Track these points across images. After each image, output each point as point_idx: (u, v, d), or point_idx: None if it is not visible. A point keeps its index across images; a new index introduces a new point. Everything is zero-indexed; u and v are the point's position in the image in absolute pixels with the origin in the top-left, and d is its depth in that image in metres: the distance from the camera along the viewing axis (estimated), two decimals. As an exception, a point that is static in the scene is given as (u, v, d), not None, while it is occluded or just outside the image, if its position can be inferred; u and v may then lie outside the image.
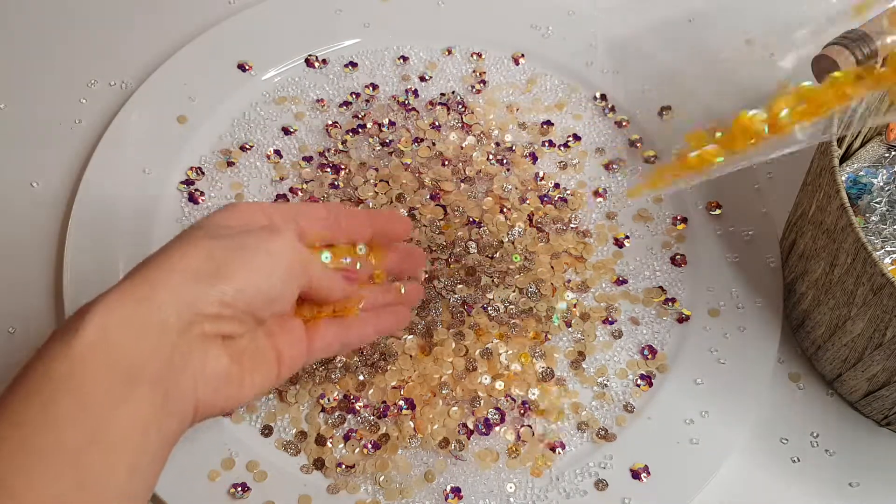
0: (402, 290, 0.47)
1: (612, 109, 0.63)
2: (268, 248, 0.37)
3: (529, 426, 0.50)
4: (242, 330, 0.37)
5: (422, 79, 0.64)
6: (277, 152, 0.60)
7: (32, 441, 0.31)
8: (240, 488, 0.47)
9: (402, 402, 0.50)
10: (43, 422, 0.31)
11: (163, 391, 0.34)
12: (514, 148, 0.61)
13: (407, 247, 0.49)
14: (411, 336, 0.52)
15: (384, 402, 0.50)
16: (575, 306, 0.54)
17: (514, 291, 0.54)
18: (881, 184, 0.53)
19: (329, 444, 0.49)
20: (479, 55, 0.65)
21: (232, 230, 0.38)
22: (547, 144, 0.61)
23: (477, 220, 0.57)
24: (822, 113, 0.38)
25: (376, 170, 0.59)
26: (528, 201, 0.58)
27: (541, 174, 0.60)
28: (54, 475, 0.31)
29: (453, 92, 0.63)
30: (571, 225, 0.58)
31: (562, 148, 0.61)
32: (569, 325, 0.54)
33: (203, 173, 0.59)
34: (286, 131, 0.61)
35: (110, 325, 0.33)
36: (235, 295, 0.36)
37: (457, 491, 0.48)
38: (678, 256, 0.57)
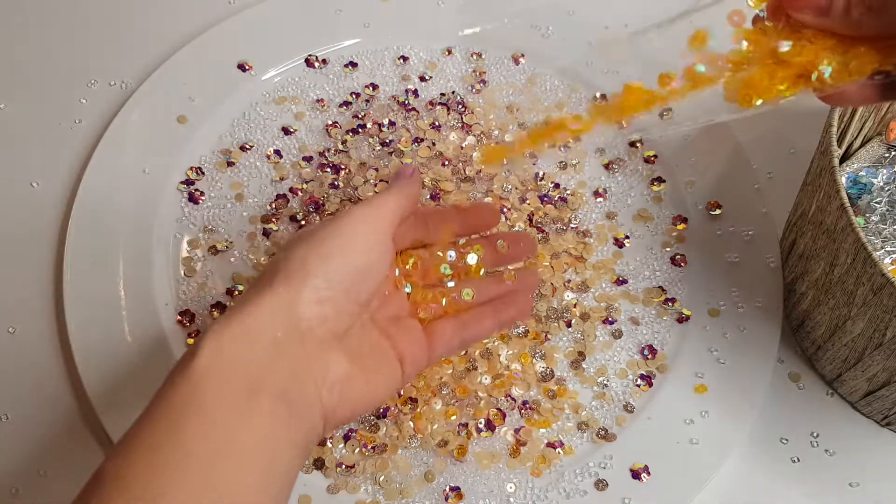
0: (512, 277, 0.47)
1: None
2: (334, 230, 0.38)
3: (529, 429, 0.50)
4: (349, 321, 0.38)
5: (422, 79, 0.64)
6: (277, 152, 0.60)
7: (164, 460, 0.32)
8: (240, 488, 0.47)
9: (401, 403, 0.50)
10: (171, 441, 0.32)
11: (286, 402, 0.35)
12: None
13: (515, 232, 0.49)
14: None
15: (385, 406, 0.50)
16: (575, 306, 0.54)
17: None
18: (881, 184, 0.53)
19: (329, 444, 0.49)
20: (479, 55, 0.65)
21: (309, 231, 0.40)
22: (547, 144, 0.61)
23: (477, 220, 0.57)
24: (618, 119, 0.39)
25: (376, 170, 0.59)
26: (528, 201, 0.58)
27: (541, 174, 0.60)
28: (187, 488, 0.32)
29: (453, 92, 0.63)
30: (571, 225, 0.58)
31: (562, 148, 0.61)
32: (569, 325, 0.54)
33: (203, 173, 0.59)
34: (286, 131, 0.61)
35: (223, 345, 0.34)
36: (326, 283, 0.37)
37: (457, 491, 0.48)
38: (678, 256, 0.57)
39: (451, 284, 0.45)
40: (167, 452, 0.32)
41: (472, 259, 0.46)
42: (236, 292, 0.54)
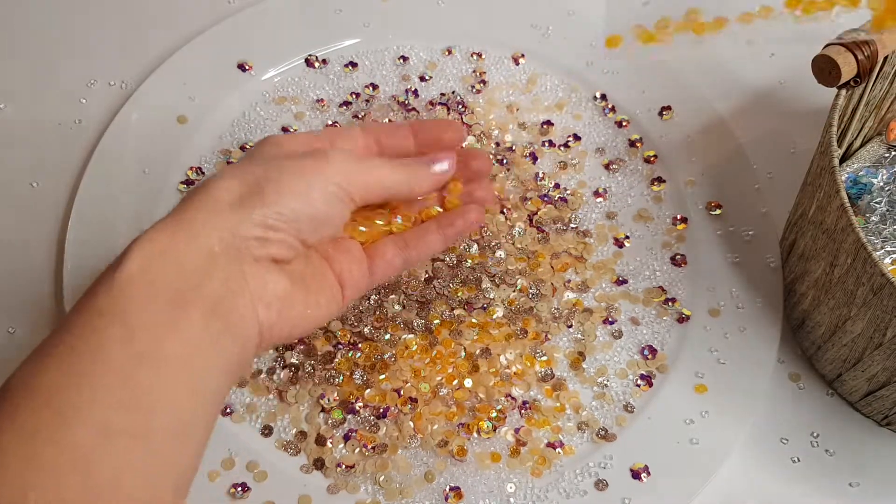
0: (458, 203, 0.44)
1: (612, 109, 0.63)
2: (303, 171, 0.37)
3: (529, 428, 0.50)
4: (291, 254, 0.37)
5: (422, 79, 0.64)
6: (277, 152, 0.60)
7: (79, 368, 0.30)
8: (240, 488, 0.47)
9: (401, 403, 0.50)
10: (88, 349, 0.31)
11: (218, 315, 0.33)
12: (514, 148, 0.61)
13: (464, 150, 0.45)
14: (411, 336, 0.52)
15: (385, 406, 0.50)
16: (575, 306, 0.54)
17: (514, 291, 0.54)
18: (881, 184, 0.53)
19: (329, 444, 0.49)
20: (479, 55, 0.65)
21: (276, 157, 0.38)
22: (547, 144, 0.61)
23: (477, 220, 0.57)
24: None
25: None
26: (528, 201, 0.58)
27: (541, 174, 0.60)
28: (103, 394, 0.30)
29: (453, 92, 0.63)
30: (571, 225, 0.58)
31: (562, 148, 0.61)
32: (569, 325, 0.54)
33: (203, 173, 0.59)
34: (285, 131, 0.61)
35: (152, 255, 0.33)
36: (277, 217, 0.36)
37: (457, 491, 0.48)
38: (678, 256, 0.57)
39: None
40: (83, 360, 0.31)
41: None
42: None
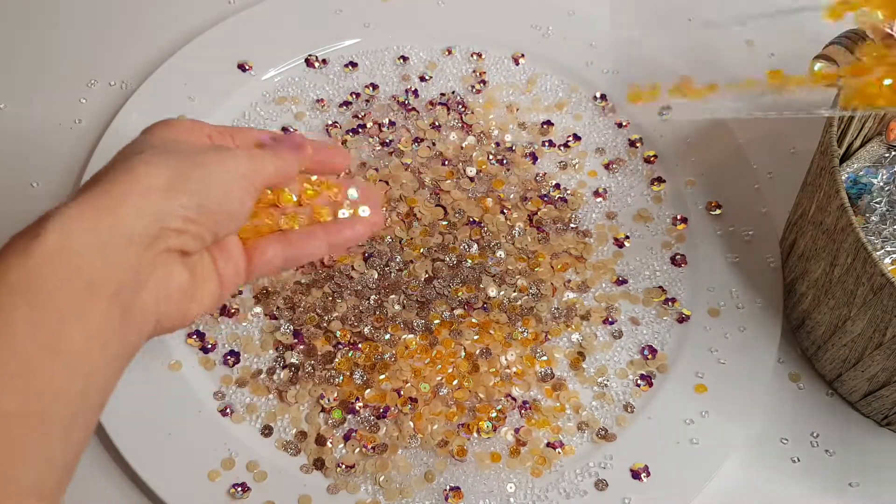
0: (350, 207, 0.45)
1: (613, 109, 0.63)
2: (223, 165, 0.37)
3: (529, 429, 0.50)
4: (200, 246, 0.37)
5: (422, 79, 0.64)
6: (277, 152, 0.60)
7: None
8: (240, 488, 0.47)
9: (401, 403, 0.50)
10: None
11: (124, 305, 0.33)
12: (514, 148, 0.61)
13: (324, 146, 0.45)
14: (411, 336, 0.52)
15: (385, 406, 0.50)
16: (575, 306, 0.54)
17: (514, 291, 0.54)
18: (881, 184, 0.53)
19: (329, 444, 0.49)
20: (479, 55, 0.65)
21: (185, 145, 0.38)
22: (547, 144, 0.61)
23: (477, 220, 0.57)
24: None
25: (376, 170, 0.59)
26: (528, 201, 0.58)
27: (541, 174, 0.60)
28: (6, 382, 0.30)
29: (453, 92, 0.63)
30: (571, 225, 0.58)
31: (562, 148, 0.61)
32: (569, 325, 0.54)
33: (203, 173, 0.59)
34: (285, 131, 0.61)
35: (73, 233, 0.32)
36: (199, 210, 0.35)
37: (457, 491, 0.48)
38: (678, 256, 0.57)
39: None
40: None
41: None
42: (236, 292, 0.54)
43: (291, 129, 0.61)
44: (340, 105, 0.62)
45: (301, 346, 0.52)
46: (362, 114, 0.62)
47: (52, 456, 0.32)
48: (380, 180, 0.58)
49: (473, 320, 0.53)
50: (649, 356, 0.53)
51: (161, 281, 0.35)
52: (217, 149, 0.38)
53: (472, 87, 0.63)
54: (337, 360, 0.51)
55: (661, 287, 0.56)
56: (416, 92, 0.63)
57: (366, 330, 0.52)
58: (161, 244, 0.35)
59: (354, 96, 0.63)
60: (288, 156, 0.41)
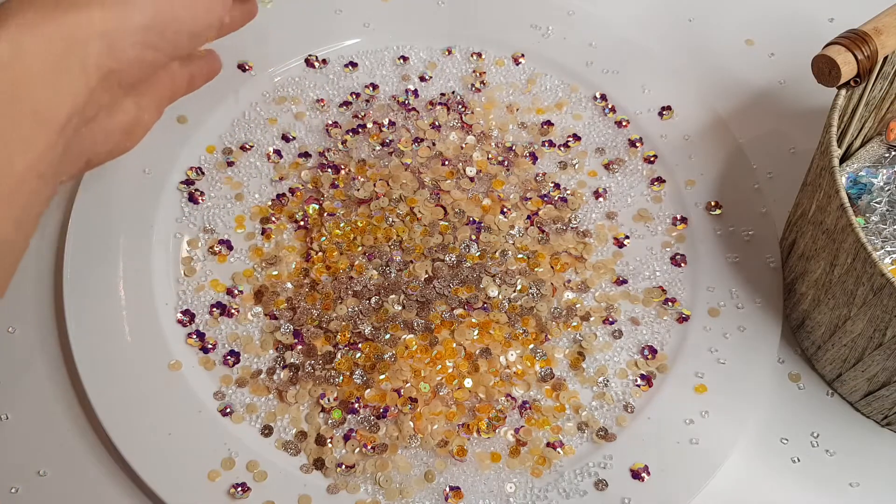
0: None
1: (612, 109, 0.63)
2: None
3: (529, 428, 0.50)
4: (156, 68, 0.35)
5: (422, 79, 0.64)
6: (277, 152, 0.60)
7: None
8: (240, 488, 0.47)
9: (401, 403, 0.50)
10: None
11: (68, 139, 0.31)
12: (514, 148, 0.61)
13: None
14: (411, 336, 0.52)
15: (385, 406, 0.50)
16: (575, 306, 0.54)
17: (514, 291, 0.54)
18: (881, 184, 0.53)
19: (329, 444, 0.49)
20: (479, 55, 0.65)
21: None
22: (547, 144, 0.61)
23: (477, 220, 0.57)
24: None
25: (376, 170, 0.59)
26: (528, 201, 0.58)
27: (541, 174, 0.60)
28: None
29: (453, 92, 0.63)
30: (571, 225, 0.58)
31: (562, 148, 0.61)
32: (569, 325, 0.54)
33: (203, 173, 0.59)
34: (286, 138, 0.61)
35: (26, 47, 0.29)
36: (160, 30, 0.33)
37: (457, 491, 0.48)
38: (678, 256, 0.57)
39: None
40: None
41: None
42: (236, 292, 0.54)
43: (291, 137, 0.61)
44: (340, 105, 0.62)
45: (301, 346, 0.52)
46: (362, 114, 0.62)
47: None
48: (380, 179, 0.58)
49: (473, 320, 0.53)
50: (649, 356, 0.53)
51: (107, 117, 0.33)
52: None
53: (472, 86, 0.64)
54: (337, 360, 0.51)
55: (661, 287, 0.56)
56: (416, 92, 0.63)
57: (366, 330, 0.52)
58: (114, 78, 0.32)
59: (354, 96, 0.63)
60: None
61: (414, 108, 0.62)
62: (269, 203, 0.58)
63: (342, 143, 0.60)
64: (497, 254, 0.56)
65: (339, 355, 0.52)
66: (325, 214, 0.57)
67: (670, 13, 0.70)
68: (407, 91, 0.63)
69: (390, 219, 0.56)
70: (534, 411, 0.51)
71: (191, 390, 0.50)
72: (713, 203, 0.58)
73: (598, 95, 0.63)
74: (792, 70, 0.65)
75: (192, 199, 0.57)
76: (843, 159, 0.56)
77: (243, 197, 0.58)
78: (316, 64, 0.64)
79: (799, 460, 0.51)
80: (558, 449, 0.50)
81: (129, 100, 0.34)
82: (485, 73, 0.64)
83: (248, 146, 0.60)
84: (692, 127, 0.62)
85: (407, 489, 0.48)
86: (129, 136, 0.35)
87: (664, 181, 0.60)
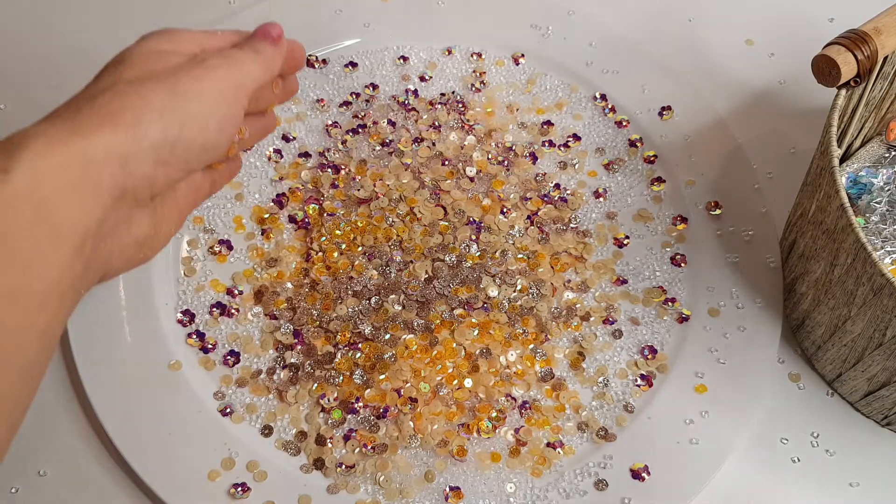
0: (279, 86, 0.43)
1: (612, 109, 0.63)
2: (201, 84, 0.35)
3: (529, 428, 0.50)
4: (168, 188, 0.35)
5: (422, 79, 0.64)
6: (278, 152, 0.60)
7: None
8: (240, 488, 0.47)
9: (401, 403, 0.50)
10: None
11: (84, 256, 0.32)
12: (514, 148, 0.61)
13: (288, 43, 0.44)
14: (411, 336, 0.52)
15: (385, 406, 0.50)
16: (575, 306, 0.54)
17: (514, 291, 0.54)
18: (881, 184, 0.53)
19: (329, 444, 0.49)
20: (479, 55, 0.65)
21: (167, 61, 0.35)
22: (547, 144, 0.61)
23: (477, 220, 0.57)
24: None
25: (377, 170, 0.59)
26: (528, 201, 0.58)
27: (541, 174, 0.60)
28: None
29: (453, 92, 0.63)
30: (571, 225, 0.58)
31: (562, 148, 0.61)
32: (569, 325, 0.54)
33: (203, 173, 0.59)
34: (286, 138, 0.61)
35: (43, 173, 0.30)
36: (171, 150, 0.33)
37: (457, 491, 0.48)
38: (678, 256, 0.57)
39: None
40: None
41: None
42: (236, 292, 0.54)
43: (291, 136, 0.61)
44: (340, 105, 0.62)
45: (301, 346, 0.52)
46: (362, 114, 0.62)
47: (5, 408, 0.30)
48: (380, 180, 0.58)
49: (473, 320, 0.53)
50: (649, 356, 0.53)
51: (122, 233, 0.34)
52: (197, 62, 0.35)
53: (472, 86, 0.63)
54: (337, 360, 0.51)
55: (661, 287, 0.56)
56: (416, 92, 0.63)
57: (366, 330, 0.52)
58: (131, 195, 0.33)
59: (354, 96, 0.63)
60: (268, 48, 0.38)
61: (414, 108, 0.62)
62: (270, 204, 0.58)
63: (342, 143, 0.60)
64: (497, 254, 0.56)
65: (339, 355, 0.52)
66: (325, 214, 0.57)
67: (670, 13, 0.70)
68: (407, 91, 0.63)
69: (390, 219, 0.56)
70: (534, 411, 0.51)
71: (191, 390, 0.50)
72: (713, 203, 0.58)
73: (598, 95, 0.63)
74: (792, 70, 0.65)
75: (192, 199, 0.57)
76: (843, 159, 0.56)
77: (243, 197, 0.58)
78: (316, 64, 0.64)
79: (799, 460, 0.51)
80: (558, 449, 0.50)
81: (145, 214, 0.35)
82: (485, 73, 0.64)
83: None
84: (692, 127, 0.62)
85: (407, 489, 0.48)
86: (146, 249, 0.36)
87: (664, 181, 0.60)
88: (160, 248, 0.38)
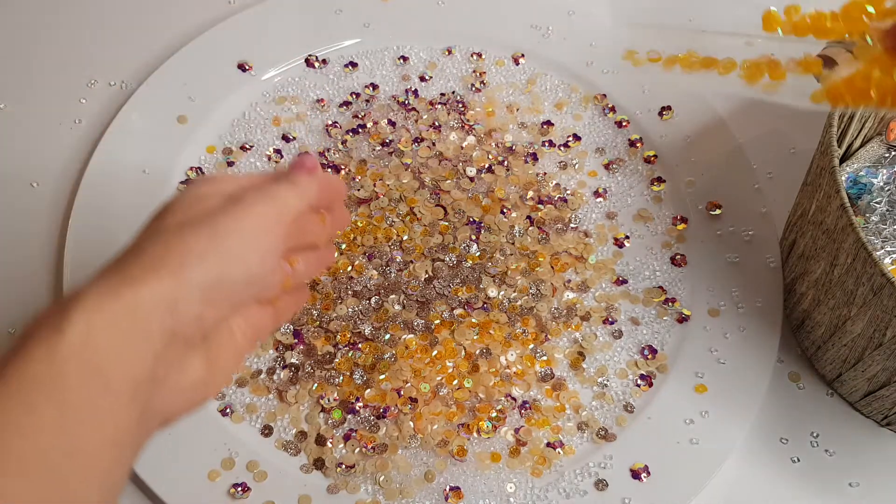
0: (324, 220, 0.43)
1: (612, 109, 0.63)
2: (239, 222, 0.36)
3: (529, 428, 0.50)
4: (222, 320, 0.36)
5: (422, 79, 0.64)
6: (278, 152, 0.60)
7: (10, 444, 0.29)
8: (240, 488, 0.47)
9: (401, 403, 0.50)
10: (22, 427, 0.30)
11: (140, 404, 0.33)
12: (514, 148, 0.61)
13: (325, 176, 0.44)
14: (411, 336, 0.52)
15: (385, 406, 0.50)
16: (575, 306, 0.54)
17: (514, 291, 0.54)
18: (881, 184, 0.53)
19: (329, 444, 0.49)
20: (479, 55, 0.65)
21: (207, 203, 0.37)
22: (547, 144, 0.61)
23: (477, 220, 0.57)
24: None
25: (377, 170, 0.59)
26: (528, 201, 0.58)
27: (541, 174, 0.60)
28: (29, 483, 0.29)
29: (453, 92, 0.63)
30: (571, 225, 0.58)
31: (562, 148, 0.61)
32: (568, 325, 0.54)
33: (203, 173, 0.59)
34: (286, 138, 0.61)
35: (95, 327, 0.32)
36: (216, 286, 0.34)
37: (457, 491, 0.48)
38: (678, 256, 0.57)
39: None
40: (16, 439, 0.29)
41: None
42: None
43: (291, 136, 0.61)
44: (340, 105, 0.62)
45: (301, 346, 0.52)
46: (362, 114, 0.62)
47: None
48: (380, 179, 0.58)
49: (473, 320, 0.53)
50: (649, 356, 0.53)
51: (176, 376, 0.35)
52: (235, 201, 0.37)
53: (472, 86, 0.63)
54: (337, 360, 0.51)
55: (661, 287, 0.56)
56: (416, 92, 0.63)
57: (366, 330, 0.52)
58: (178, 339, 0.34)
59: (354, 96, 0.63)
60: (302, 177, 0.40)
61: (414, 108, 0.62)
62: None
63: (342, 143, 0.60)
64: (497, 254, 0.56)
65: (339, 355, 0.52)
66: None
67: (670, 13, 0.70)
68: (407, 91, 0.63)
69: (390, 219, 0.56)
70: (534, 411, 0.51)
71: (191, 390, 0.50)
72: (713, 203, 0.58)
73: (598, 95, 0.63)
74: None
75: (192, 199, 0.57)
76: (843, 159, 0.56)
77: (243, 197, 0.58)
78: (316, 64, 0.64)
79: (799, 460, 0.51)
80: (558, 449, 0.50)
81: (197, 355, 0.36)
82: (485, 73, 0.64)
83: (248, 146, 0.60)
84: (692, 127, 0.62)
85: (407, 489, 0.48)
86: (204, 389, 0.37)
87: (664, 181, 0.60)
88: (220, 388, 0.39)
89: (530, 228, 0.57)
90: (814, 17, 0.39)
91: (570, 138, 0.62)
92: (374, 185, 0.58)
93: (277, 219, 0.37)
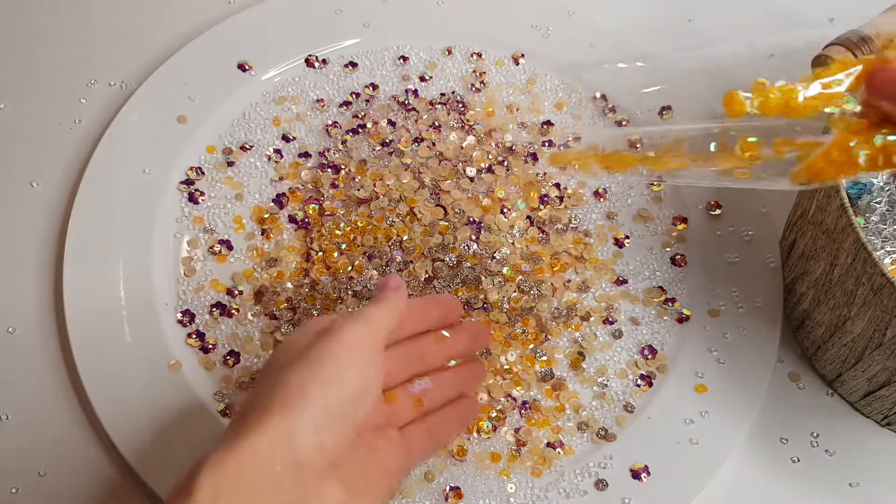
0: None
1: (612, 109, 0.63)
2: (331, 351, 0.38)
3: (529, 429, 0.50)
4: (345, 444, 0.37)
5: (422, 79, 0.64)
6: (278, 152, 0.60)
7: None
8: (240, 488, 0.47)
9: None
10: None
11: None
12: (514, 148, 0.61)
13: (470, 324, 0.49)
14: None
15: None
16: (575, 306, 0.54)
17: (514, 291, 0.54)
18: (881, 184, 0.53)
19: (329, 444, 0.49)
20: (479, 55, 0.65)
21: (298, 346, 0.39)
22: (547, 144, 0.61)
23: (477, 220, 0.57)
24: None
25: (377, 170, 0.59)
26: (528, 201, 0.58)
27: (541, 174, 0.60)
28: None
29: (453, 92, 0.63)
30: (571, 225, 0.58)
31: (562, 148, 0.61)
32: (569, 325, 0.54)
33: (203, 173, 0.59)
34: (286, 138, 0.61)
35: (221, 485, 0.33)
36: (323, 410, 0.36)
37: (457, 491, 0.48)
38: (678, 256, 0.57)
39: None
40: None
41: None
42: (236, 292, 0.54)
43: (291, 136, 0.61)
44: (340, 105, 0.62)
45: (301, 346, 0.52)
46: (362, 114, 0.62)
47: None
48: (379, 180, 0.58)
49: (473, 320, 0.53)
50: (649, 356, 0.53)
51: None
52: (325, 332, 0.39)
53: (472, 86, 0.64)
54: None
55: (661, 287, 0.56)
56: (416, 92, 0.63)
57: (366, 330, 0.52)
58: (308, 468, 0.35)
59: (354, 96, 0.63)
60: (390, 296, 0.42)
61: (414, 108, 0.62)
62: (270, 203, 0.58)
63: (342, 143, 0.60)
64: (497, 254, 0.55)
65: (339, 355, 0.52)
66: (325, 214, 0.57)
67: (670, 13, 0.70)
68: (407, 91, 0.63)
69: (390, 219, 0.56)
70: (534, 411, 0.51)
71: (191, 390, 0.50)
72: (713, 203, 0.58)
73: (598, 95, 0.63)
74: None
75: (191, 199, 0.57)
76: (843, 159, 0.55)
77: (243, 197, 0.58)
78: (316, 64, 0.64)
79: (799, 460, 0.51)
80: (558, 449, 0.50)
81: (333, 481, 0.37)
82: (485, 73, 0.64)
83: (248, 146, 0.60)
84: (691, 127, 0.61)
85: (407, 489, 0.48)
86: None
87: (664, 181, 0.60)
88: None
89: (530, 228, 0.57)
90: (784, 90, 0.38)
91: (570, 138, 0.61)
92: (374, 185, 0.58)
93: (369, 335, 0.40)
